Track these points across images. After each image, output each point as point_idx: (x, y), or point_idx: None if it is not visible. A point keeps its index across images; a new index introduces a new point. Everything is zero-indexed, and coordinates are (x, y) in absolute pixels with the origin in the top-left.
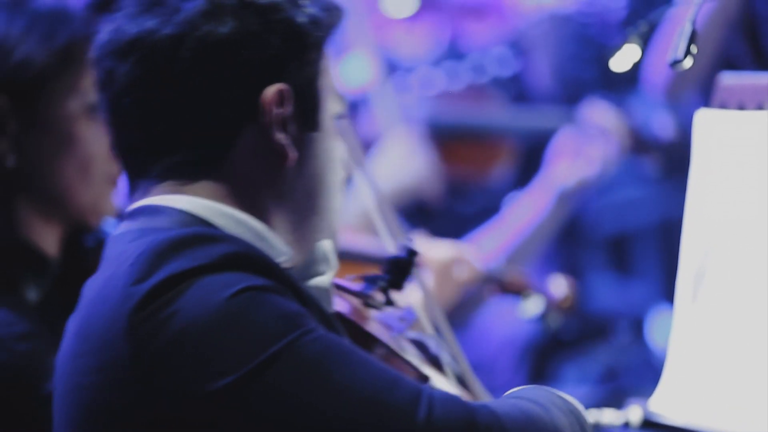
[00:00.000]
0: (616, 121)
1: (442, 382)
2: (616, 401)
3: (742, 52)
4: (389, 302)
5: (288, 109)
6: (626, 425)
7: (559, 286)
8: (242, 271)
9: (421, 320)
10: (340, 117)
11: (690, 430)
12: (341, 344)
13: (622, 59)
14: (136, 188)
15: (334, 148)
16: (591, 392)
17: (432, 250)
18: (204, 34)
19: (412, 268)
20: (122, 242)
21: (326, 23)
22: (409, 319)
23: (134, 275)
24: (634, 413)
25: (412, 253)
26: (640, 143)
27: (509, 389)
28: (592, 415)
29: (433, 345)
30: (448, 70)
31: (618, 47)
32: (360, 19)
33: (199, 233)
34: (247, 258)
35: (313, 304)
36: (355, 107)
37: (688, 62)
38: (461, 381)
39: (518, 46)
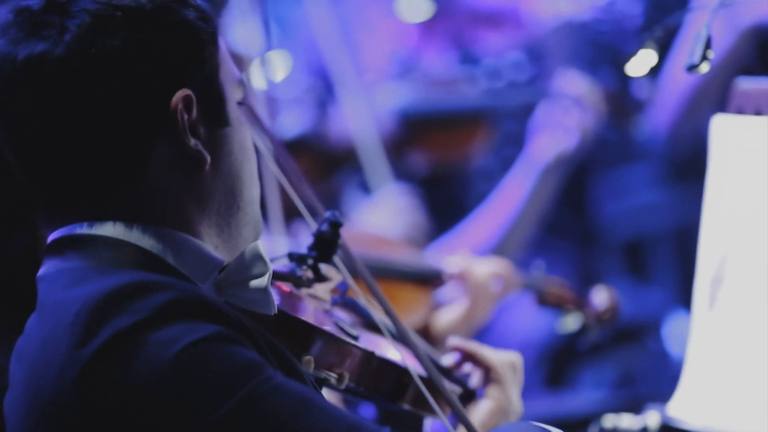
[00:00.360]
0: (591, 89)
1: (385, 347)
2: (634, 406)
3: (751, 62)
4: (320, 278)
5: (196, 113)
6: (644, 430)
7: (602, 297)
8: (186, 321)
9: (354, 288)
10: (241, 103)
11: None
12: (298, 392)
13: (638, 64)
14: (53, 216)
15: (245, 138)
16: (609, 397)
17: (470, 268)
18: (97, 51)
19: (338, 239)
20: (58, 287)
21: (214, 13)
22: (342, 290)
23: (76, 337)
24: (652, 418)
25: (335, 225)
26: (619, 108)
27: (526, 393)
28: (610, 420)
29: (366, 309)
30: (464, 75)
31: (634, 53)
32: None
33: (136, 282)
34: (189, 303)
35: (262, 338)
36: (324, 107)
37: (704, 67)
38: (402, 340)
39: (534, 52)
